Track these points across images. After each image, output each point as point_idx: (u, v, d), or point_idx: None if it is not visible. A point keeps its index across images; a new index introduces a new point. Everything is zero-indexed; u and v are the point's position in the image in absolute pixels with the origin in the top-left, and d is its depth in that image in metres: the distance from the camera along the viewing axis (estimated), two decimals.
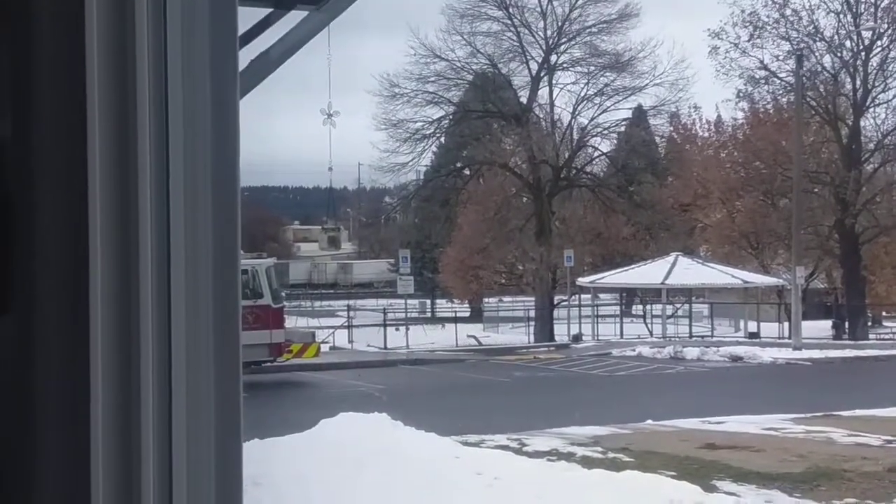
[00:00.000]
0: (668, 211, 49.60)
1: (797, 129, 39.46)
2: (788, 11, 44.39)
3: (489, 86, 49.35)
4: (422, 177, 52.99)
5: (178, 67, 1.26)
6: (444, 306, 55.86)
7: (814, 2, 44.41)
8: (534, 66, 49.47)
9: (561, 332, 42.60)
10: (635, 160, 50.01)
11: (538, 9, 48.60)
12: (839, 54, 44.97)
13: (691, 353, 32.59)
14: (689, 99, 51.41)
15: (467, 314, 53.50)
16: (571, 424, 18.15)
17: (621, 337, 41.14)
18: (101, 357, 1.26)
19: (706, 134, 52.93)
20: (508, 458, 13.61)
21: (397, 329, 39.46)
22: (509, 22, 48.71)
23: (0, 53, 1.34)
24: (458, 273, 49.68)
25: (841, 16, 44.39)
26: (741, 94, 47.06)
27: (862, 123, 45.45)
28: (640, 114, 51.27)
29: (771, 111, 47.41)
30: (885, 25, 44.03)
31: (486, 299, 53.50)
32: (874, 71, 44.96)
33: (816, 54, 44.68)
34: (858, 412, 19.79)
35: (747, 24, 44.64)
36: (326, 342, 35.25)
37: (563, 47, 49.30)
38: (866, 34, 44.22)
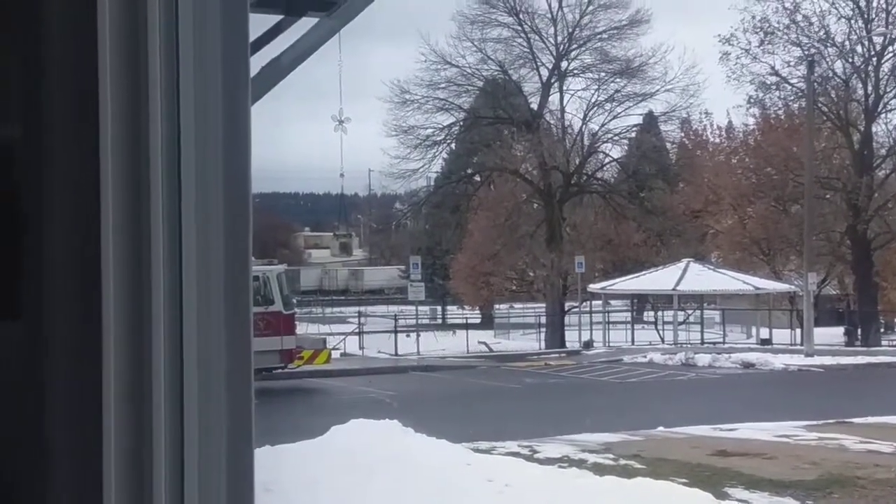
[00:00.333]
0: (679, 217, 49.51)
1: (808, 134, 39.38)
2: (799, 17, 44.39)
3: (500, 92, 49.34)
4: (432, 183, 53.02)
5: (189, 73, 1.26)
6: (454, 313, 55.78)
7: (825, 7, 44.44)
8: (544, 73, 49.53)
9: (572, 339, 42.51)
10: (646, 166, 49.96)
11: (548, 15, 48.69)
12: (850, 60, 44.91)
13: (703, 359, 32.52)
14: (699, 105, 51.24)
15: (478, 321, 53.39)
16: (583, 431, 18.14)
17: (632, 343, 41.05)
18: (112, 363, 1.26)
19: (717, 140, 52.93)
20: (519, 465, 13.60)
21: (408, 335, 39.44)
22: (520, 28, 48.74)
23: (10, 55, 1.34)
24: (468, 279, 49.63)
25: (852, 21, 44.38)
26: (752, 100, 47.00)
27: (874, 129, 45.36)
28: (650, 120, 51.18)
29: (782, 117, 47.28)
30: None
31: (496, 306, 53.37)
32: (886, 76, 44.86)
33: (827, 60, 44.67)
34: (871, 419, 19.70)
35: (758, 29, 44.64)
36: (337, 349, 35.26)
37: (573, 53, 49.34)
38: (877, 39, 44.06)
